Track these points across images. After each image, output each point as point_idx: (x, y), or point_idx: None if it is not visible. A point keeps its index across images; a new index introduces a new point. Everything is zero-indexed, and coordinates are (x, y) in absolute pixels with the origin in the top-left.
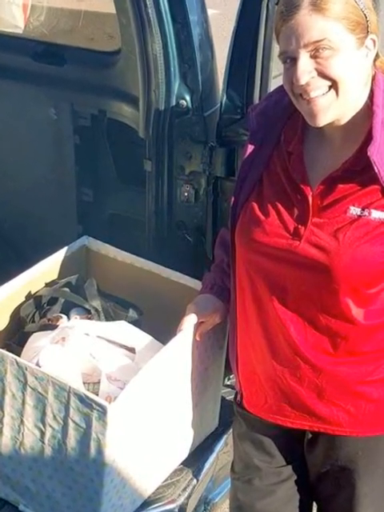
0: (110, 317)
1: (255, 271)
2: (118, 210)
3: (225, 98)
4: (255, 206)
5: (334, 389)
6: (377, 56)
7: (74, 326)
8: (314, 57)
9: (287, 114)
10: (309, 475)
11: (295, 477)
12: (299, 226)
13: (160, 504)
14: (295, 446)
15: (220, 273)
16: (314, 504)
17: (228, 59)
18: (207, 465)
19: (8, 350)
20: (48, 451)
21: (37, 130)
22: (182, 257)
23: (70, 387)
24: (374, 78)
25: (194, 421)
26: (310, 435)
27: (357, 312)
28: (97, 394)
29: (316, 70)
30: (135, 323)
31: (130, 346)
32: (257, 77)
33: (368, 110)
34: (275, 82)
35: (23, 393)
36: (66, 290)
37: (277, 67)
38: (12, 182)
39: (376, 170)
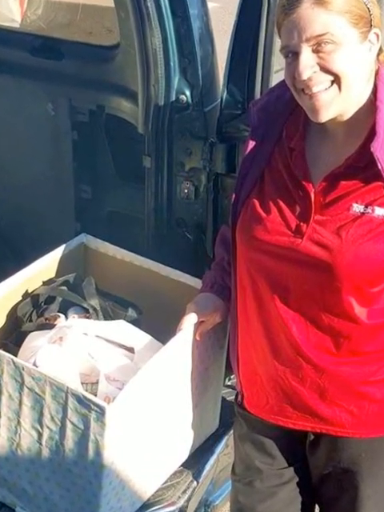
0: (108, 316)
1: (256, 269)
2: (117, 208)
3: (225, 93)
4: (256, 203)
5: (337, 389)
6: (380, 50)
7: (72, 326)
8: (316, 51)
9: (289, 110)
10: (311, 477)
11: (297, 479)
12: (301, 224)
13: (159, 506)
14: (297, 448)
15: (220, 271)
16: (317, 506)
17: (229, 53)
18: (207, 467)
19: (5, 350)
20: (45, 453)
21: (34, 125)
22: (182, 255)
23: (67, 388)
24: (377, 73)
25: (194, 422)
26: (312, 436)
27: (360, 311)
28: (95, 395)
29: (318, 64)
30: (134, 322)
31: (128, 346)
32: (258, 71)
33: (371, 105)
34: (277, 77)
35: (20, 393)
36: (64, 288)
37: (278, 62)
38: (9, 178)
39: (379, 167)
